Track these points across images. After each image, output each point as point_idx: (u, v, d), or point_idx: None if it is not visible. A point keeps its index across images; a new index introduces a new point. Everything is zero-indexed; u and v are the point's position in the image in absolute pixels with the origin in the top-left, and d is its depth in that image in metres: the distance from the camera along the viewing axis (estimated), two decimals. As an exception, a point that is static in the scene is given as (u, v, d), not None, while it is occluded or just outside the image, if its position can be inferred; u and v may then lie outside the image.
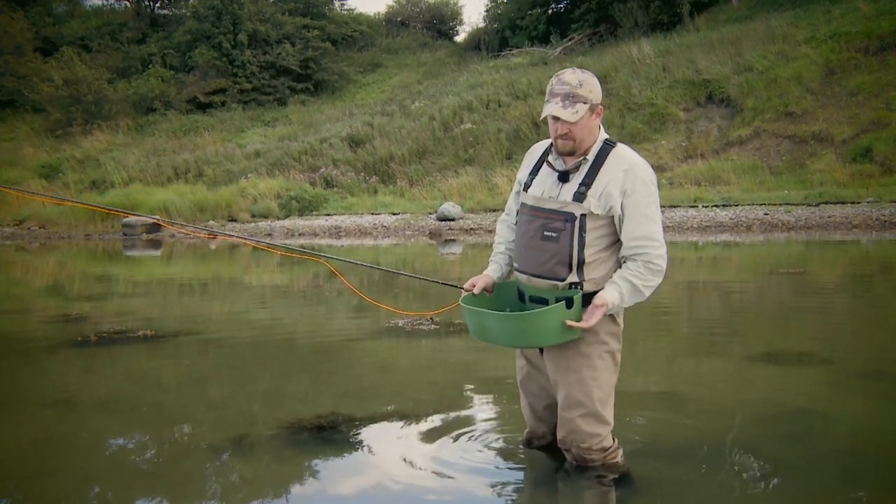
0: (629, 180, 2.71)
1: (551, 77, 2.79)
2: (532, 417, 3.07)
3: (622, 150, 2.80)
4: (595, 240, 2.74)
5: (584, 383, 2.79)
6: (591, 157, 2.77)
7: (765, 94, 21.37)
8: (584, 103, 2.71)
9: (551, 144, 2.86)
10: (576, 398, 2.80)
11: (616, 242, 2.79)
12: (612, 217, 2.74)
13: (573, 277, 2.74)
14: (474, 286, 2.94)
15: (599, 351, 2.82)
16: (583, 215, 2.71)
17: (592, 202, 2.71)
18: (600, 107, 2.79)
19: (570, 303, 2.69)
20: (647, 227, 2.72)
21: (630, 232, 2.72)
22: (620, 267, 2.79)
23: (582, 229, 2.71)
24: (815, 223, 16.22)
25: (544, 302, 2.77)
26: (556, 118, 2.70)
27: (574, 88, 2.70)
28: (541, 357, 2.96)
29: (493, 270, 3.03)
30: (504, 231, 3.12)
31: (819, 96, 20.88)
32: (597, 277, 2.77)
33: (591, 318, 2.68)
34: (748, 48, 23.26)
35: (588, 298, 2.74)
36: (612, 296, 2.70)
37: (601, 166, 2.74)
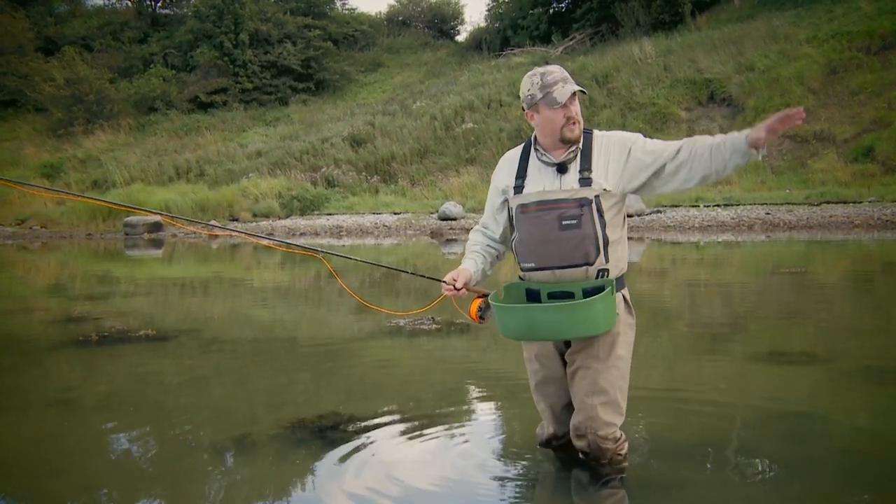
0: (624, 142, 2.84)
1: (531, 78, 2.82)
2: (553, 420, 3.06)
3: (599, 132, 2.92)
4: (613, 218, 2.80)
5: (609, 372, 2.83)
6: (581, 145, 2.85)
7: (766, 94, 21.35)
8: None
9: (526, 148, 2.93)
10: (600, 385, 2.82)
11: (624, 222, 2.87)
12: (626, 186, 2.81)
13: (601, 261, 2.76)
14: (455, 280, 2.89)
15: (623, 341, 2.87)
16: (597, 196, 2.75)
17: (601, 181, 2.77)
18: None
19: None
20: (670, 142, 2.82)
21: (665, 144, 2.79)
22: (622, 248, 2.84)
23: (600, 210, 2.76)
24: (817, 223, 16.20)
25: (569, 296, 2.77)
26: (574, 95, 2.78)
27: (563, 72, 2.83)
28: (554, 358, 2.96)
29: (469, 265, 2.97)
30: (478, 237, 3.08)
31: (821, 96, 20.87)
32: (616, 260, 2.81)
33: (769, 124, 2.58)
34: (750, 47, 23.25)
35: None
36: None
37: (591, 151, 2.83)
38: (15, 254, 17.54)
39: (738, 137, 2.63)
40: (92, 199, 3.75)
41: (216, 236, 20.63)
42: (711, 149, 2.69)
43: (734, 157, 2.64)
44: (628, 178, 2.80)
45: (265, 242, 3.54)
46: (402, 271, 3.56)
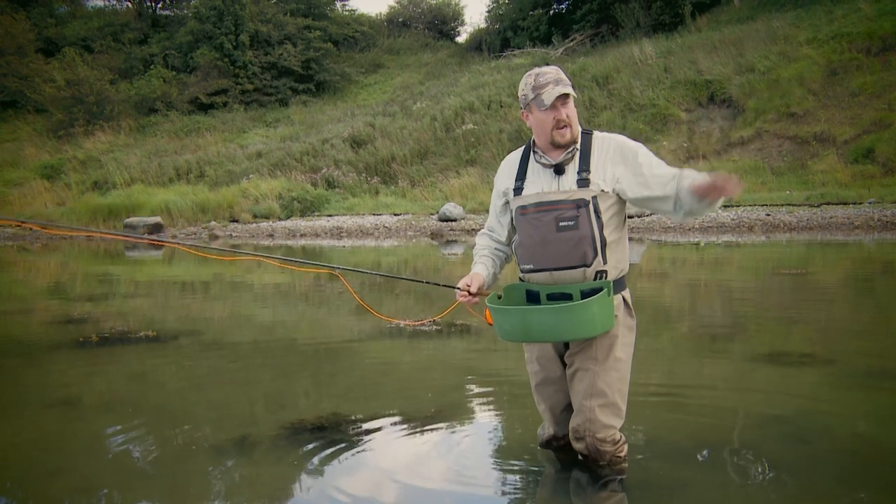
0: (623, 150, 2.82)
1: (526, 79, 2.83)
2: (552, 421, 3.07)
3: (599, 133, 2.90)
4: (610, 219, 2.79)
5: (608, 374, 2.83)
6: (578, 146, 2.84)
7: (766, 95, 21.36)
8: (570, 86, 2.81)
9: (526, 150, 2.94)
10: (599, 388, 2.82)
11: (624, 223, 2.87)
12: (618, 195, 2.80)
13: (599, 263, 2.76)
14: (469, 286, 2.91)
15: (622, 343, 2.87)
16: (594, 197, 2.75)
17: (599, 183, 2.77)
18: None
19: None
20: (666, 168, 2.79)
21: (659, 176, 2.75)
22: (621, 249, 2.84)
23: (597, 211, 2.76)
24: (817, 224, 16.20)
25: (567, 297, 2.77)
26: (565, 99, 2.76)
27: (558, 74, 2.80)
28: (554, 360, 2.97)
29: (480, 269, 3.00)
30: (485, 241, 3.11)
31: (821, 97, 20.87)
32: (616, 261, 2.81)
33: (720, 182, 2.57)
34: (750, 49, 23.26)
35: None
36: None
37: (590, 152, 2.82)
38: (15, 255, 17.55)
39: (689, 187, 2.65)
40: (102, 233, 3.73)
41: (216, 237, 20.63)
42: (684, 191, 2.70)
43: (696, 203, 2.68)
44: (624, 188, 2.78)
45: (290, 266, 3.54)
46: (419, 281, 3.58)
